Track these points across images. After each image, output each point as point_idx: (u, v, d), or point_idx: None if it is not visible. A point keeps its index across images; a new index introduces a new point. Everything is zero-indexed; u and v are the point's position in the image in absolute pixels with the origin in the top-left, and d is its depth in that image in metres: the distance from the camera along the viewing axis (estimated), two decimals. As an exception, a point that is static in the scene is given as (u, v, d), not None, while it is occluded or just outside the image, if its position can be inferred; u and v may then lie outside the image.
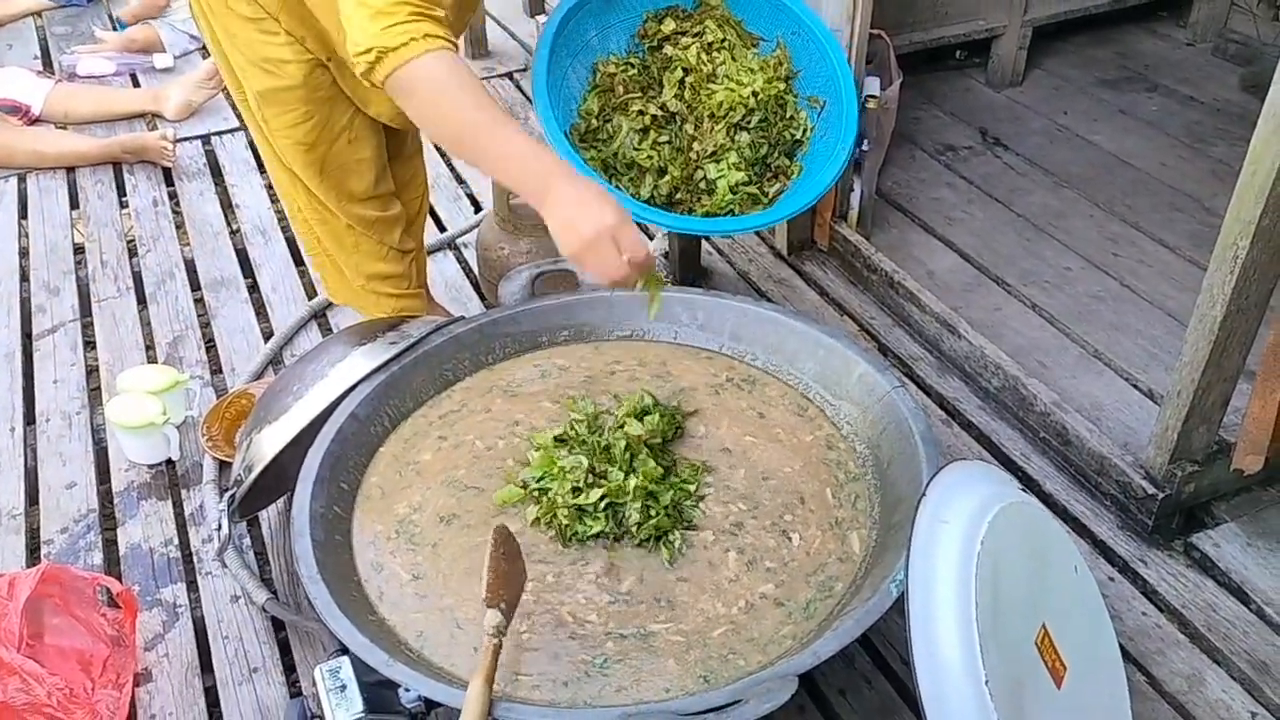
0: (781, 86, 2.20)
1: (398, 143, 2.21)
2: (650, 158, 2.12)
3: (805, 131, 2.22)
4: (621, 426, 1.68)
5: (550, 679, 1.40)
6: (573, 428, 1.71)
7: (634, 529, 1.57)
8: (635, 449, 1.65)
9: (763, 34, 2.24)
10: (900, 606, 1.33)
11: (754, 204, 2.17)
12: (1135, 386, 2.33)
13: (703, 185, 2.16)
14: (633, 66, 2.19)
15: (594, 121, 2.17)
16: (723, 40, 2.20)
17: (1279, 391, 1.77)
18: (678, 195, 2.16)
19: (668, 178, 2.13)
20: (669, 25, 2.19)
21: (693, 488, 1.64)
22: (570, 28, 2.10)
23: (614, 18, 2.20)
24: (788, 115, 2.21)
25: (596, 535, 1.57)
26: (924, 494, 1.39)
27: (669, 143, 2.15)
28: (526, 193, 1.55)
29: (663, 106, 2.15)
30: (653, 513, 1.58)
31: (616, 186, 2.13)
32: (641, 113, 2.14)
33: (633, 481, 1.59)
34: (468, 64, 1.57)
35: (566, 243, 1.50)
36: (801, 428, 1.78)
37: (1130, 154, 3.17)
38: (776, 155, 2.16)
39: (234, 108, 3.69)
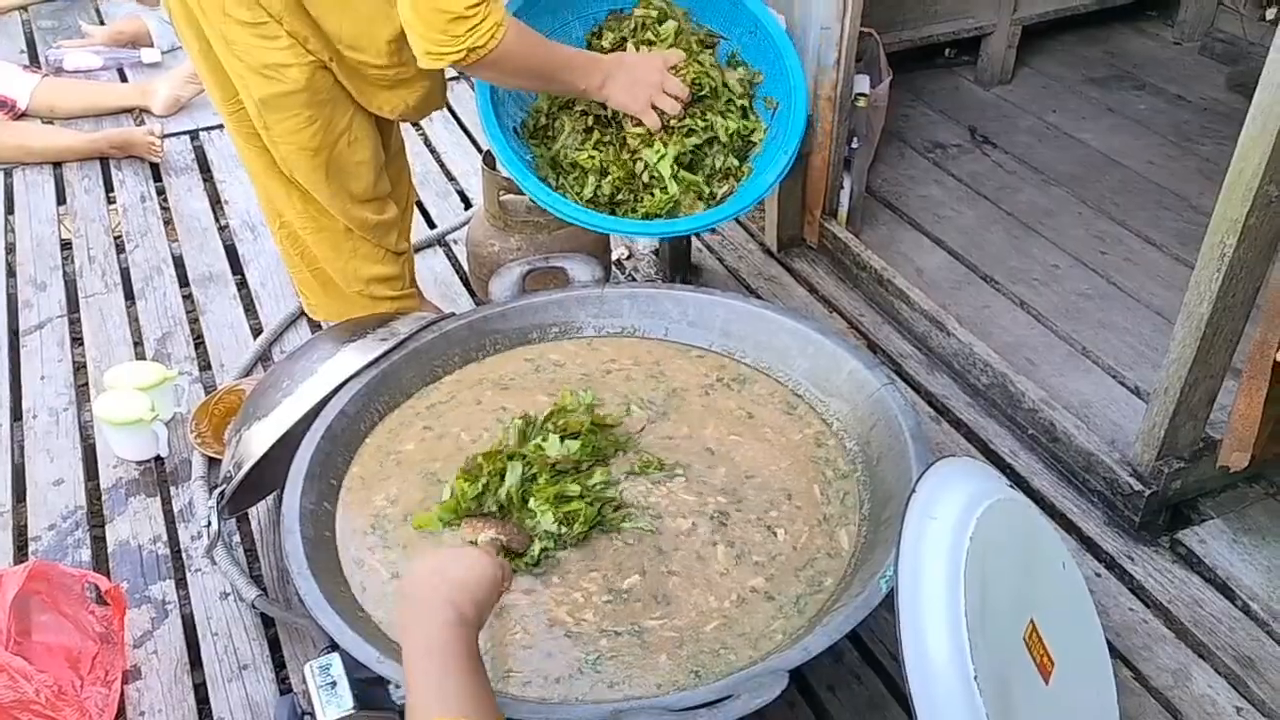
0: (734, 78, 2.18)
1: (385, 140, 2.20)
2: (591, 158, 2.12)
3: (758, 134, 2.19)
4: (540, 443, 1.67)
5: (542, 675, 1.40)
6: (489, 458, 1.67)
7: (562, 532, 1.56)
8: (540, 470, 1.63)
9: (722, 32, 2.22)
10: (890, 602, 1.34)
11: (700, 204, 2.13)
12: (1122, 384, 2.35)
13: (645, 180, 2.12)
14: None
15: (542, 119, 2.17)
16: (667, 41, 2.18)
17: (1265, 389, 1.78)
18: (619, 196, 2.12)
19: (610, 178, 2.11)
20: (608, 39, 2.18)
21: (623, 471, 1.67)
22: (524, 20, 2.07)
23: (570, 14, 2.18)
24: (743, 118, 2.18)
25: (542, 552, 1.56)
26: (913, 490, 1.40)
27: (610, 143, 2.14)
28: (591, 93, 2.00)
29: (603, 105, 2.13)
30: (573, 513, 1.57)
31: (560, 186, 2.13)
32: (584, 112, 2.14)
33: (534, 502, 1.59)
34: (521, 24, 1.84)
35: (627, 104, 2.02)
36: (790, 426, 1.78)
37: (1118, 152, 3.18)
38: (726, 156, 2.15)
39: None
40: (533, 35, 1.87)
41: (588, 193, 2.10)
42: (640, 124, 2.08)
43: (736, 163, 2.15)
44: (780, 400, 1.83)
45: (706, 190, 2.12)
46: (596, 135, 2.13)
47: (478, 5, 1.68)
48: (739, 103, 2.16)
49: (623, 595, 1.50)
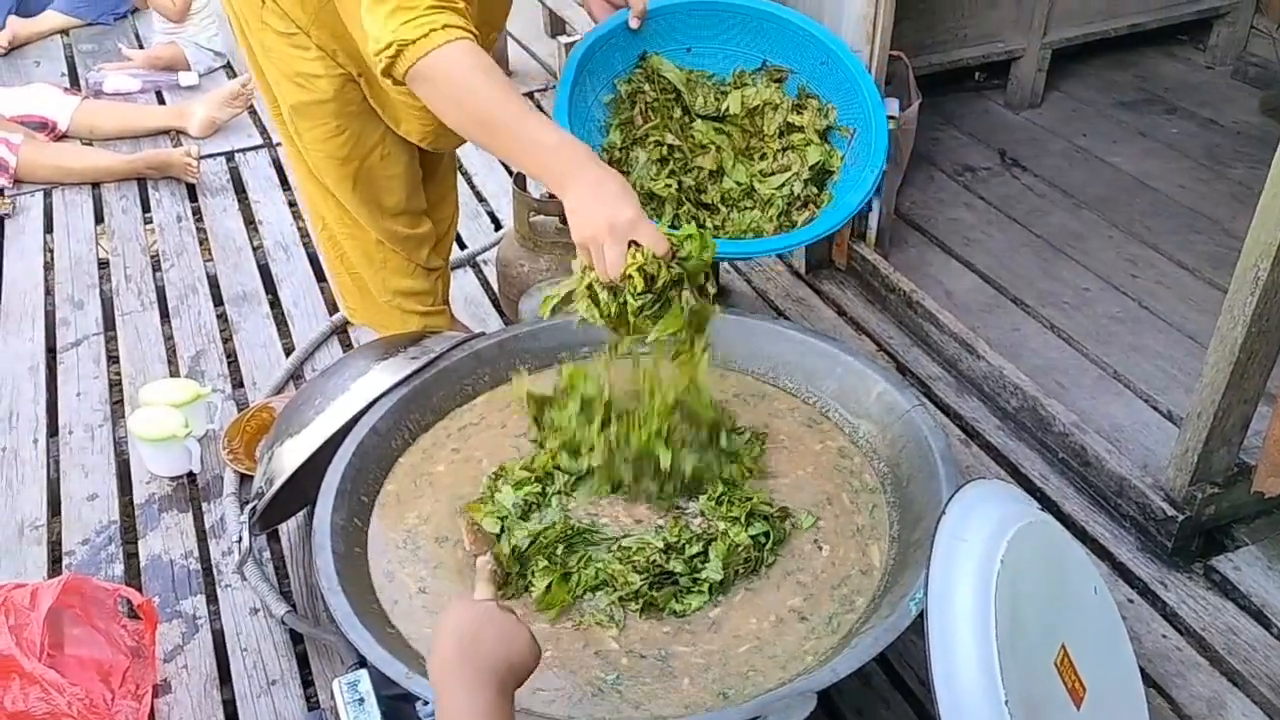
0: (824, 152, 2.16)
1: (432, 161, 2.22)
2: (667, 186, 2.12)
3: (834, 161, 2.21)
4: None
5: (565, 695, 1.40)
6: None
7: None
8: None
9: (791, 65, 2.22)
10: (918, 626, 1.33)
11: (782, 231, 2.15)
12: (1154, 408, 2.32)
13: (724, 206, 2.15)
14: (651, 92, 2.18)
15: (615, 153, 2.16)
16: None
17: (1300, 414, 1.76)
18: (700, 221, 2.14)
19: (686, 208, 2.12)
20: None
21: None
22: (597, 56, 2.10)
23: (655, 49, 2.16)
24: (828, 159, 2.19)
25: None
26: (943, 512, 1.39)
27: (687, 170, 2.15)
28: (549, 179, 1.54)
29: (679, 134, 2.14)
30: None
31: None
32: (659, 143, 2.14)
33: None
34: (486, 55, 1.58)
35: (579, 229, 1.48)
36: (809, 437, 1.79)
37: (1149, 176, 3.17)
38: (805, 186, 2.16)
39: (260, 127, 3.74)
40: (490, 73, 1.54)
41: (666, 222, 2.09)
42: (705, 153, 2.07)
43: (816, 190, 2.15)
44: (800, 416, 1.84)
45: (786, 221, 2.12)
46: (671, 165, 2.14)
47: (418, 2, 1.50)
48: (816, 133, 2.18)
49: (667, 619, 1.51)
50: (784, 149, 2.16)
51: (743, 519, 1.58)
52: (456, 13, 1.54)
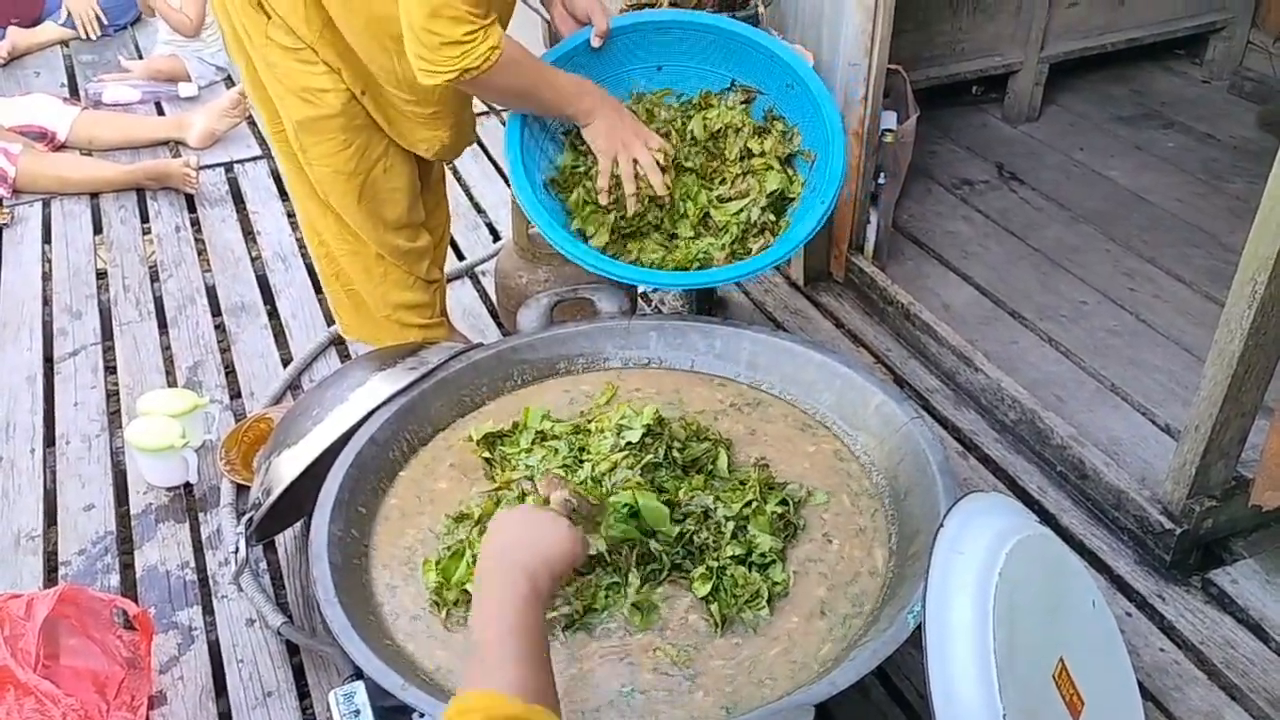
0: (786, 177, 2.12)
1: (424, 171, 2.23)
2: (609, 213, 2.08)
3: (795, 187, 2.14)
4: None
5: (580, 710, 1.40)
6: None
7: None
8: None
9: (759, 87, 2.19)
10: (916, 639, 1.33)
11: (735, 258, 2.07)
12: (1152, 421, 2.33)
13: (667, 228, 2.09)
14: None
15: (568, 175, 2.11)
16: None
17: (1298, 427, 1.76)
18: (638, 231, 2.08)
19: (615, 239, 2.07)
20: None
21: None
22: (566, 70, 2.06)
23: (621, 67, 2.14)
24: (788, 186, 2.12)
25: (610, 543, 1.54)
26: (941, 525, 1.39)
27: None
28: (578, 115, 1.96)
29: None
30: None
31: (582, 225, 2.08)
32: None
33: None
34: (518, 44, 1.84)
35: (607, 138, 1.96)
36: (800, 438, 1.80)
37: (1146, 190, 3.18)
38: (763, 212, 2.08)
39: (258, 138, 3.75)
40: (526, 58, 1.87)
41: (603, 232, 2.07)
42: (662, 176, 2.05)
43: (774, 218, 2.09)
44: (793, 421, 1.84)
45: (741, 248, 2.07)
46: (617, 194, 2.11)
47: (474, 31, 1.71)
48: (777, 159, 2.12)
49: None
50: (743, 174, 2.10)
51: (759, 495, 1.62)
52: (492, 25, 1.75)
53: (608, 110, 1.97)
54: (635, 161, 1.98)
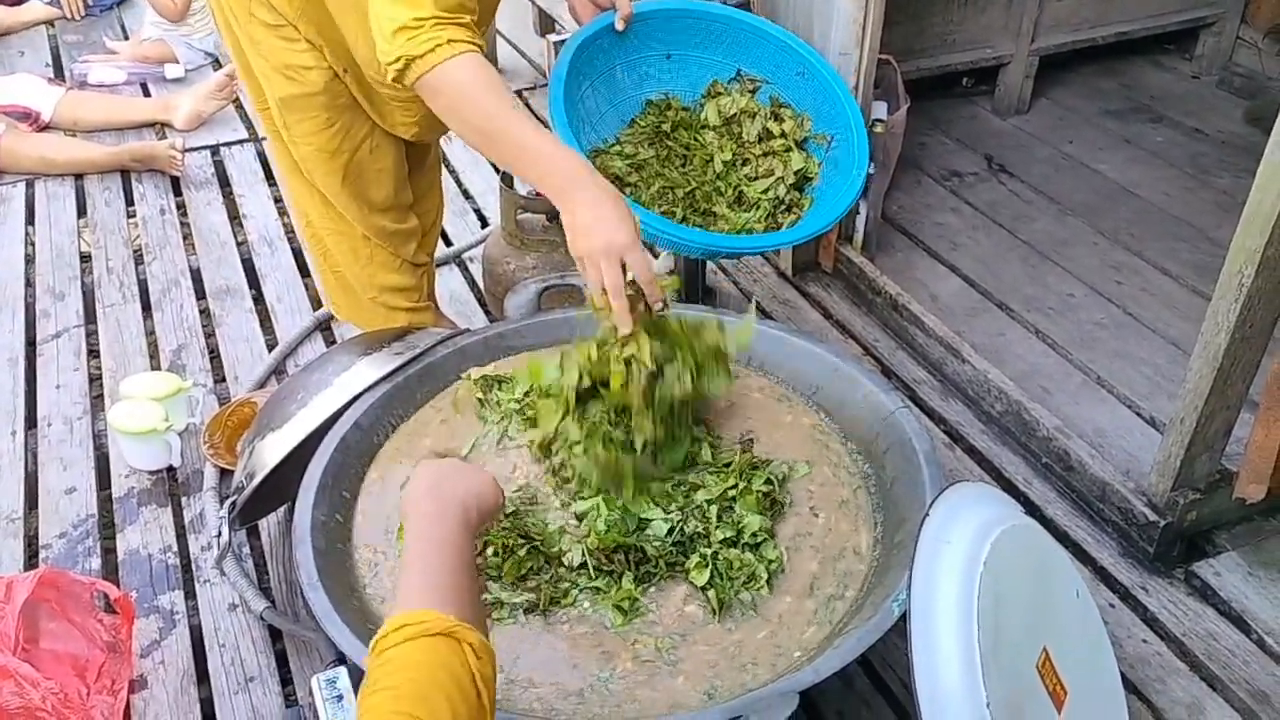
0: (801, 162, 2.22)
1: (417, 155, 2.22)
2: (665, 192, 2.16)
3: (811, 168, 2.25)
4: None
5: (563, 691, 1.39)
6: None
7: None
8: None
9: (765, 76, 2.27)
10: (901, 627, 1.33)
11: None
12: (1138, 414, 2.33)
13: (714, 208, 2.18)
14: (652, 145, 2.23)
15: (622, 177, 2.17)
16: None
17: (1282, 421, 1.77)
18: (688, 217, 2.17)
19: (682, 213, 2.15)
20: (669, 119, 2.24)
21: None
22: (583, 57, 2.12)
23: (636, 53, 2.22)
24: (808, 165, 2.24)
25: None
26: (927, 514, 1.39)
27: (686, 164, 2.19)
28: (548, 189, 1.61)
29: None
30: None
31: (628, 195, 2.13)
32: (660, 173, 2.18)
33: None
34: (490, 66, 1.66)
35: (576, 244, 1.57)
36: (776, 409, 1.80)
37: (1135, 184, 3.18)
38: (789, 190, 2.19)
39: (245, 121, 3.72)
40: (493, 87, 1.61)
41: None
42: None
43: (798, 195, 2.21)
44: (770, 393, 1.84)
45: (773, 223, 2.18)
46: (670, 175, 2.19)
47: (424, 20, 1.57)
48: (794, 143, 2.24)
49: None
50: (765, 154, 2.22)
51: (743, 475, 1.62)
52: (463, 26, 1.61)
53: (582, 203, 1.55)
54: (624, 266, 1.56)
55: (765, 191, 2.18)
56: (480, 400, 1.79)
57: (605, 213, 1.54)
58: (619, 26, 2.10)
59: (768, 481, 1.62)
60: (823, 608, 1.49)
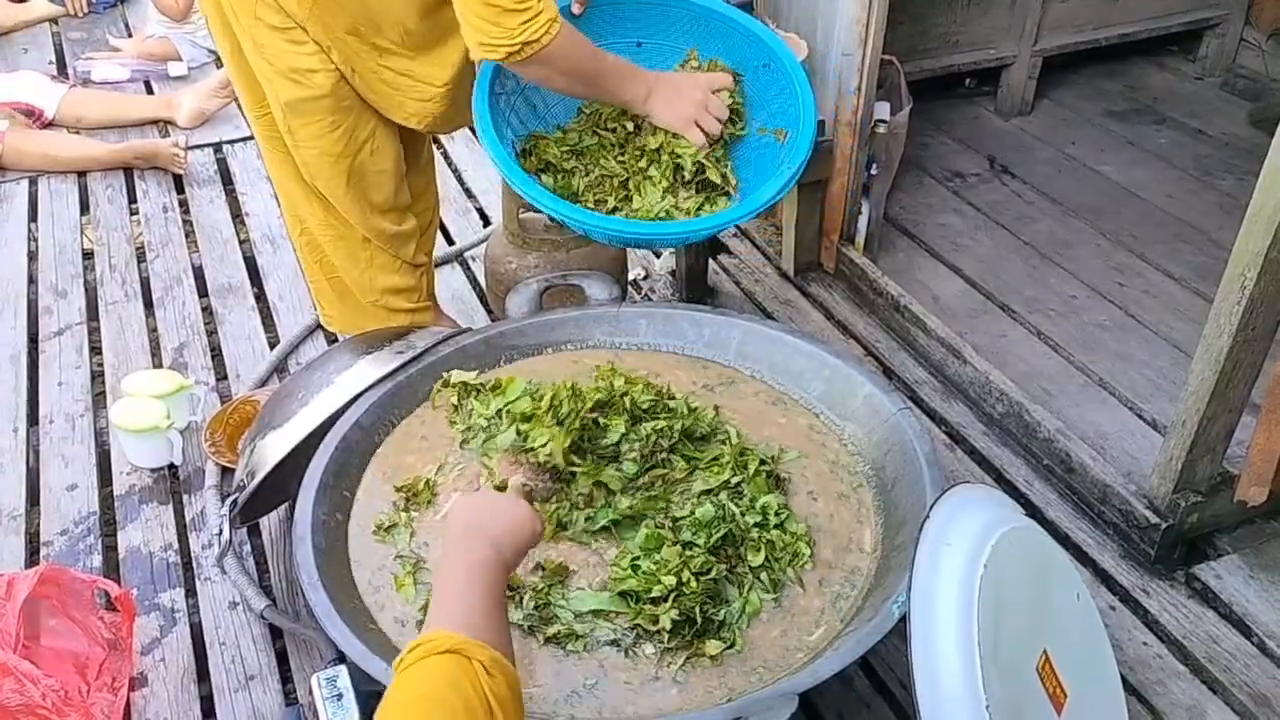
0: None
1: (413, 153, 2.22)
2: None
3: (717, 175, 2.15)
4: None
5: (558, 691, 1.39)
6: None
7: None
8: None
9: (736, 67, 2.21)
10: (900, 629, 1.33)
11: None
12: (1139, 416, 2.33)
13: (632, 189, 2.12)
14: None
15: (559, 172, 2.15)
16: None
17: (1284, 424, 1.77)
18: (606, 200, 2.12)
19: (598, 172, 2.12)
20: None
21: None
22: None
23: (605, 40, 2.13)
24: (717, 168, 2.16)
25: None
26: (927, 516, 1.39)
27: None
28: (635, 100, 1.99)
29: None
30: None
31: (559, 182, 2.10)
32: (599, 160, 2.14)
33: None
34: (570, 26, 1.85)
35: (677, 115, 2.00)
36: (771, 412, 1.81)
37: (1137, 185, 3.18)
38: (720, 167, 2.11)
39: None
40: (583, 39, 1.88)
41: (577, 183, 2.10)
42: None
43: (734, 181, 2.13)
44: (765, 397, 1.85)
45: (709, 208, 2.10)
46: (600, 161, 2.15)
47: (532, 3, 1.70)
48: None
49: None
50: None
51: (732, 465, 1.63)
52: (548, 2, 1.74)
53: (662, 88, 1.99)
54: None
55: (696, 153, 2.07)
56: (454, 405, 1.79)
57: (682, 85, 2.02)
58: (575, 10, 2.05)
59: (761, 462, 1.64)
60: (830, 607, 1.49)
